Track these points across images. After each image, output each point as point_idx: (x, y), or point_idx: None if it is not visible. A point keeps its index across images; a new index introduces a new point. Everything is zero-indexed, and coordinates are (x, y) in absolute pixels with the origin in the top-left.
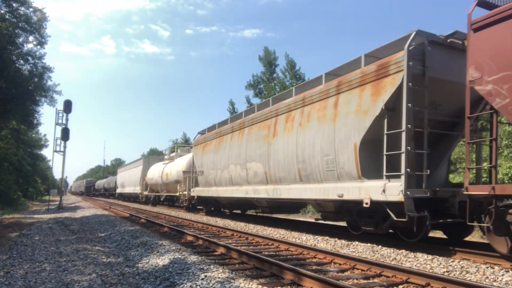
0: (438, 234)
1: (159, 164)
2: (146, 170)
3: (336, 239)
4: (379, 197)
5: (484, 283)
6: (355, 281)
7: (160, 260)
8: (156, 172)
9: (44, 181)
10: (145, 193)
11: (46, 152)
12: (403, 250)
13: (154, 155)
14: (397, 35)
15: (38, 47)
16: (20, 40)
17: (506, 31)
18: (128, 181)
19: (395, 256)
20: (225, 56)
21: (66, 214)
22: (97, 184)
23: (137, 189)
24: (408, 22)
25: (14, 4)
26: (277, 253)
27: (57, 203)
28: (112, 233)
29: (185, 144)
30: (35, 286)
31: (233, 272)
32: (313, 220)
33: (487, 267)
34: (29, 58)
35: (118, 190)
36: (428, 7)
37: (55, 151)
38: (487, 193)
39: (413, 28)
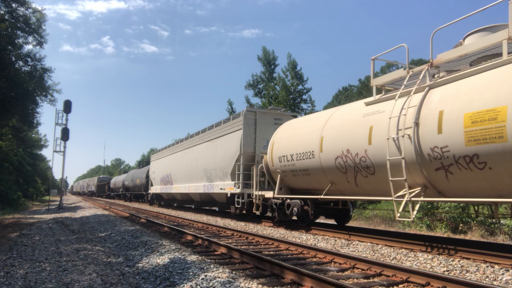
0: (438, 233)
1: (344, 109)
2: (268, 137)
3: (336, 238)
4: None
5: (484, 282)
6: (355, 280)
7: (160, 260)
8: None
9: (44, 181)
10: (274, 196)
11: (46, 152)
12: (403, 250)
13: (262, 109)
14: (396, 34)
15: (38, 47)
16: (20, 41)
17: None
18: (185, 169)
19: (395, 255)
20: (224, 56)
21: (66, 214)
22: (113, 182)
23: (222, 186)
24: (407, 22)
25: (13, 5)
26: (277, 252)
27: (57, 203)
28: (112, 233)
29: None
30: (35, 286)
31: (233, 272)
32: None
33: (487, 266)
34: (29, 59)
35: (155, 190)
36: (427, 6)
37: (55, 151)
38: None
39: (412, 27)
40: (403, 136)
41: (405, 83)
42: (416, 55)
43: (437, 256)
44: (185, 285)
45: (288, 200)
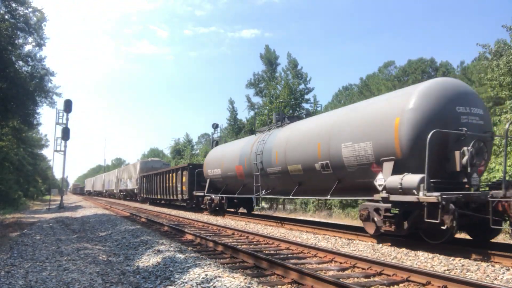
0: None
1: None
2: None
3: (337, 237)
4: None
5: (485, 281)
6: (356, 279)
7: (161, 259)
8: None
9: (44, 181)
10: None
11: (47, 152)
12: (403, 249)
13: None
14: (394, 34)
15: (37, 48)
16: (20, 41)
17: None
18: None
19: (396, 254)
20: (224, 56)
21: (67, 214)
22: (213, 164)
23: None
24: (406, 21)
25: (13, 4)
26: (277, 252)
27: (58, 202)
28: (112, 232)
29: None
30: (36, 285)
31: (234, 271)
32: (314, 219)
33: (488, 265)
34: (29, 59)
35: None
36: (426, 6)
37: (55, 150)
38: None
39: (411, 25)
40: None
41: None
42: (414, 54)
43: (438, 255)
44: (186, 284)
45: None
